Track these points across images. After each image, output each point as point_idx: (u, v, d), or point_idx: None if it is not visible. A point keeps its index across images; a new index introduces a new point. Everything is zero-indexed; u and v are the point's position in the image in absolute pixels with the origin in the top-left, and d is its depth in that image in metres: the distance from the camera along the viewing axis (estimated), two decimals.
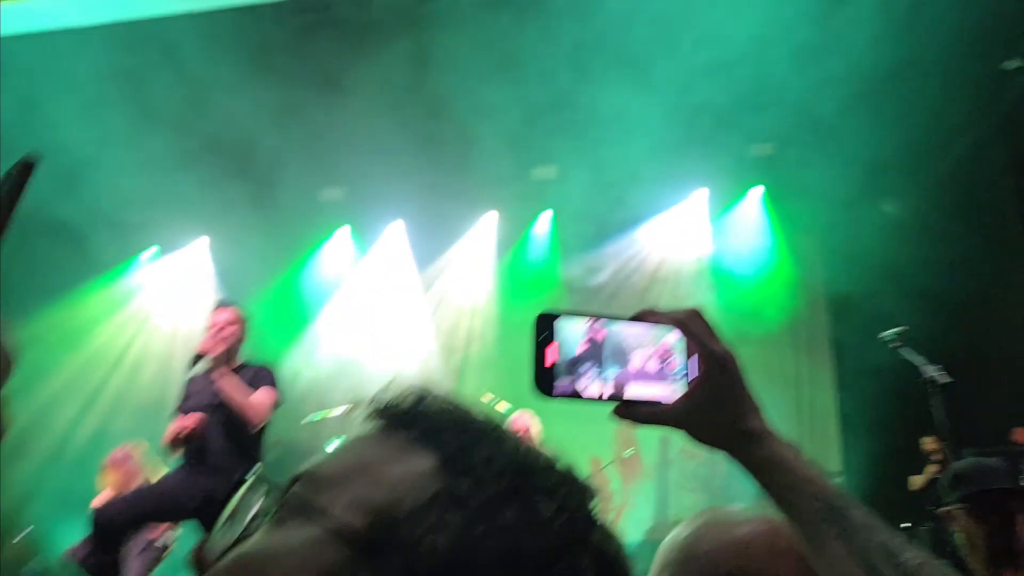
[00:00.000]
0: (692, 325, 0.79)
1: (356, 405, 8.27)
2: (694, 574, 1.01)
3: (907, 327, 5.52)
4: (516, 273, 9.56)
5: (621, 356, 0.79)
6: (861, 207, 7.67)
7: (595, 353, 0.78)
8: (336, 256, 9.75)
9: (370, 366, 9.19)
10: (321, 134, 8.06)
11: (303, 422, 7.95)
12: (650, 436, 9.12)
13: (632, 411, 0.79)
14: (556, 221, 9.54)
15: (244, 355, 4.56)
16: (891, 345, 4.90)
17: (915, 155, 7.53)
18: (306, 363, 8.97)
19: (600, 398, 0.78)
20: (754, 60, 6.93)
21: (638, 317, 0.81)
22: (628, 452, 8.54)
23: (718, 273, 9.23)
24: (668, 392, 0.80)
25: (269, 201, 8.75)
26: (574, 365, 0.78)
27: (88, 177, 7.76)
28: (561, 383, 0.77)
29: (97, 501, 5.64)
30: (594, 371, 0.78)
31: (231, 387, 4.20)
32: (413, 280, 9.72)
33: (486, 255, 9.72)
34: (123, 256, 9.40)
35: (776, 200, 9.17)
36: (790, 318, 8.94)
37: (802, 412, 8.94)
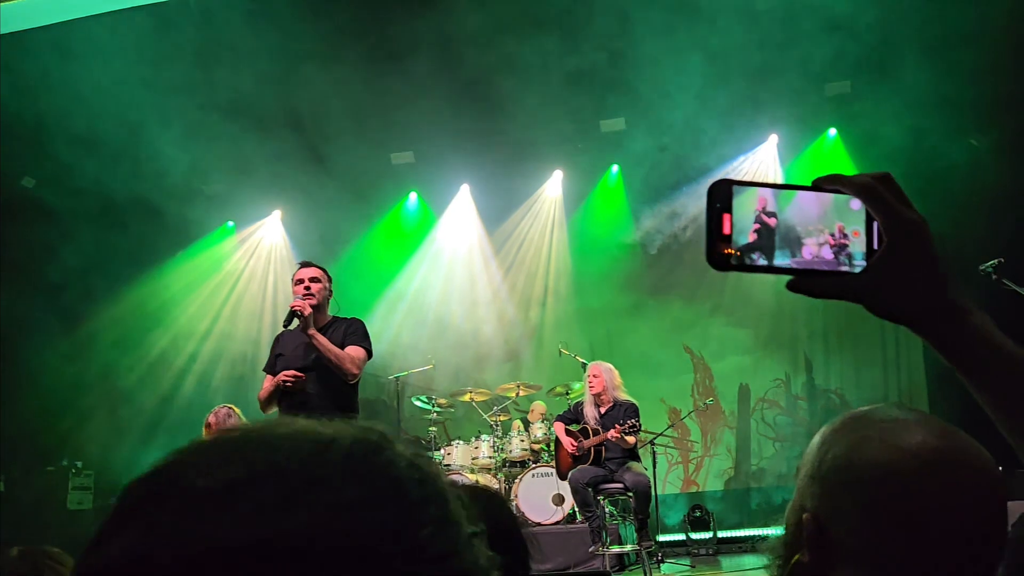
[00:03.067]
0: (880, 191, 0.73)
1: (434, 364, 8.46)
2: (860, 492, 0.90)
3: (1002, 259, 5.35)
4: (587, 229, 9.55)
5: (802, 227, 0.75)
6: (944, 140, 7.41)
7: (775, 224, 0.74)
8: (408, 220, 9.91)
9: (449, 325, 9.36)
10: (387, 100, 8.13)
11: (388, 378, 8.17)
12: (729, 387, 9.09)
13: (810, 283, 0.75)
14: (623, 174, 9.48)
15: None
16: (992, 277, 4.73)
17: (1001, 78, 7.19)
18: (384, 324, 9.16)
19: (778, 269, 0.74)
20: None
21: (818, 185, 0.76)
22: (707, 402, 8.51)
23: None
24: (850, 262, 0.75)
25: (339, 169, 8.90)
26: (751, 235, 0.74)
27: (160, 155, 8.01)
28: (738, 254, 0.74)
29: None
30: (773, 242, 0.74)
31: (325, 342, 4.32)
32: (484, 241, 9.81)
33: (556, 212, 9.73)
34: (203, 230, 9.69)
35: (851, 141, 8.91)
36: None
37: (888, 365, 8.76)
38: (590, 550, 5.99)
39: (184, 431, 7.72)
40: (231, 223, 10.00)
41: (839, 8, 6.85)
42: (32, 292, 8.14)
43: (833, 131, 9.03)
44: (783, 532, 1.00)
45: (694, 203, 9.24)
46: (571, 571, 6.18)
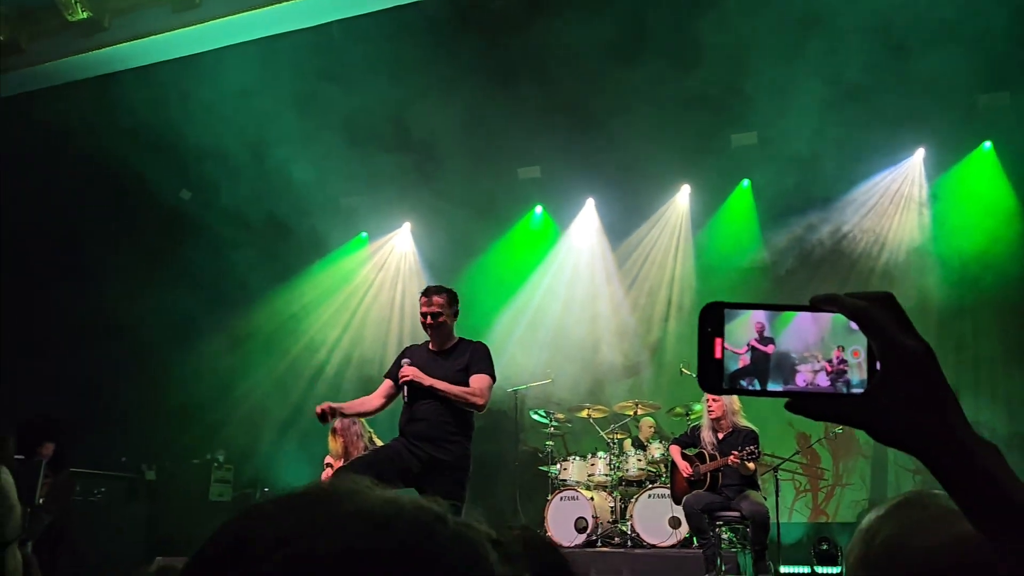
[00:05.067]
0: (874, 316, 0.69)
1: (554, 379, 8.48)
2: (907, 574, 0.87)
3: None
4: (714, 245, 9.31)
5: (798, 354, 0.73)
6: None
7: (772, 350, 0.74)
8: (533, 234, 10.00)
9: (569, 340, 9.36)
10: (513, 116, 8.24)
11: (508, 391, 8.27)
12: None
13: (808, 405, 0.72)
14: (754, 190, 9.18)
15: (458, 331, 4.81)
16: None
17: None
18: (506, 336, 9.27)
19: (773, 392, 0.73)
20: None
21: (815, 304, 0.73)
22: (837, 430, 8.07)
23: (941, 241, 8.45)
24: (848, 388, 0.73)
25: (467, 183, 9.12)
26: (744, 357, 0.73)
27: (296, 171, 8.46)
28: (730, 376, 0.73)
29: (329, 459, 6.23)
30: (767, 364, 0.73)
31: (447, 387, 4.46)
32: (607, 255, 9.76)
33: (682, 228, 9.55)
34: (339, 241, 10.17)
35: (1008, 155, 8.25)
36: None
37: None
38: None
39: (314, 433, 8.06)
40: (364, 234, 10.45)
41: (984, 17, 6.39)
42: (188, 298, 8.78)
43: (988, 144, 8.41)
44: None
45: (828, 222, 8.82)
46: None
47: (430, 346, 4.68)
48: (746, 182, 9.23)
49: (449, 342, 4.64)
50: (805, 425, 8.50)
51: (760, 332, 0.74)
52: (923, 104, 7.94)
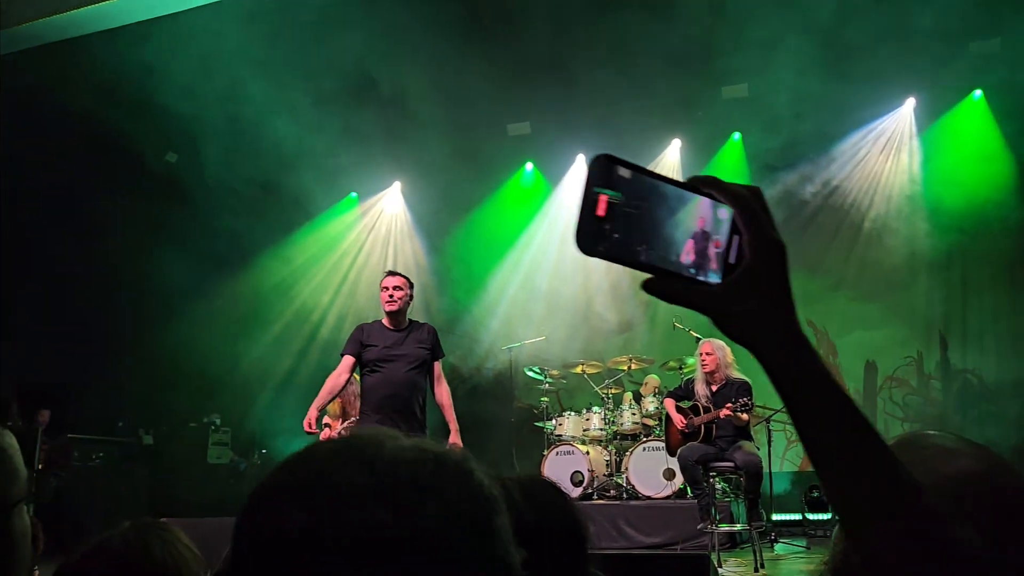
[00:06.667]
0: (751, 205, 0.70)
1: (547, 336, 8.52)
2: None
3: None
4: None
5: (675, 229, 0.70)
6: None
7: (644, 215, 0.69)
8: (524, 191, 9.95)
9: (562, 297, 9.38)
10: (502, 72, 8.12)
11: (502, 348, 8.31)
12: (854, 364, 8.70)
13: (664, 286, 0.71)
14: (744, 143, 9.14)
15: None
16: None
17: None
18: (499, 295, 9.29)
19: (642, 265, 0.69)
20: None
21: (695, 185, 0.71)
22: None
23: (931, 191, 8.46)
24: (707, 272, 0.71)
25: (456, 141, 9.01)
26: (620, 222, 0.68)
27: (283, 131, 8.34)
28: (603, 239, 0.68)
29: (327, 419, 6.29)
30: (638, 234, 0.69)
31: (455, 427, 5.13)
32: None
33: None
34: (326, 204, 10.09)
35: (998, 103, 8.23)
36: (1020, 235, 8.10)
37: None
38: (699, 527, 5.95)
39: (312, 395, 8.10)
40: (354, 194, 10.38)
41: None
42: (182, 260, 8.71)
43: (978, 92, 8.38)
44: (830, 554, 0.96)
45: (819, 173, 8.82)
46: (677, 548, 6.17)
47: (386, 323, 5.15)
48: (737, 135, 9.19)
49: (404, 323, 5.20)
50: None
51: (643, 200, 0.69)
52: (913, 53, 7.89)
